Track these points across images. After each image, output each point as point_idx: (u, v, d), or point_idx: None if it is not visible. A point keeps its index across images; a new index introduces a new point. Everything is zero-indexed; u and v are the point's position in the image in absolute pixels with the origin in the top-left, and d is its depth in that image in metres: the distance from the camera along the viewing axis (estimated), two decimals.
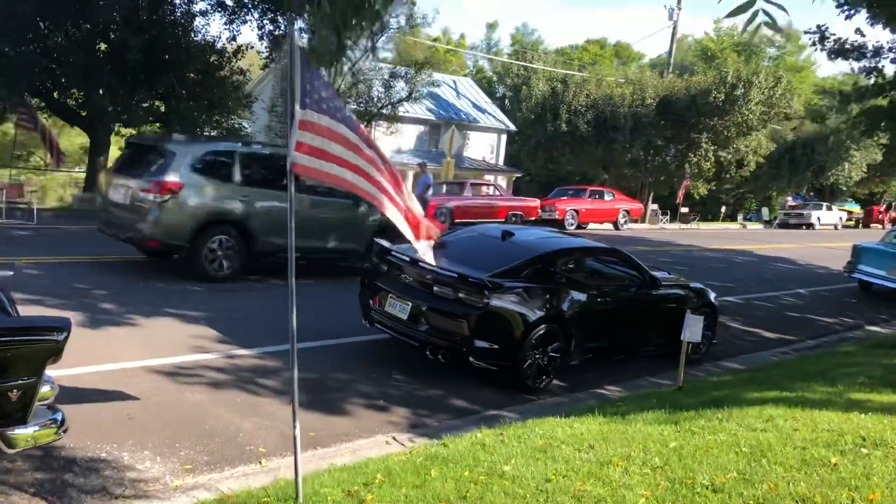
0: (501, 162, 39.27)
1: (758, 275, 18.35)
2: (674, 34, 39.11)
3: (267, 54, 21.69)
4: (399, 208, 4.66)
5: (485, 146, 38.56)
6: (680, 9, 38.60)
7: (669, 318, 8.48)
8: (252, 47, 22.32)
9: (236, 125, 23.00)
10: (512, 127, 38.77)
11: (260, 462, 5.26)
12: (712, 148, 34.26)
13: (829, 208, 41.46)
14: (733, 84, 32.19)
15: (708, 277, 15.86)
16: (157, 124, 21.94)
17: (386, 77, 24.74)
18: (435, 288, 7.24)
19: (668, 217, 37.01)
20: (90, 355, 6.88)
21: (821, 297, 15.53)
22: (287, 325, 4.37)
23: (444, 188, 24.28)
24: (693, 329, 7.34)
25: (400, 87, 24.78)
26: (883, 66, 18.63)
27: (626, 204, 30.22)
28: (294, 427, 4.25)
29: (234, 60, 21.84)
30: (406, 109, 27.98)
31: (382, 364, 7.72)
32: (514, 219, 24.21)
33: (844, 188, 47.44)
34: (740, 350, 10.23)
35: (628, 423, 5.91)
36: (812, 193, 48.35)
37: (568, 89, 34.38)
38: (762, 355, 10.03)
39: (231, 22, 21.10)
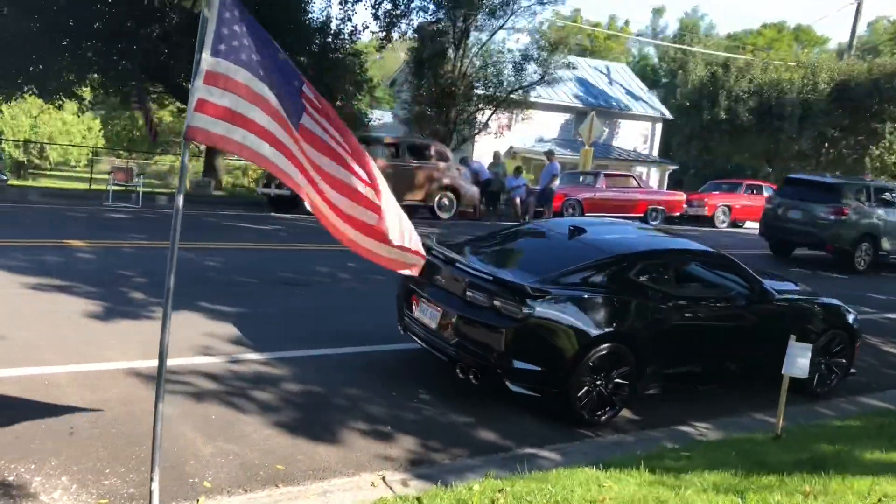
0: (656, 153, 36.71)
1: None
2: (858, 12, 34.80)
3: (383, 35, 20.82)
4: (330, 205, 3.60)
5: (637, 136, 36.17)
6: None
7: (783, 341, 6.70)
8: (367, 27, 21.60)
9: (357, 111, 22.18)
10: (668, 115, 36.10)
11: (197, 501, 4.28)
12: None
13: None
14: None
15: (868, 290, 13.47)
16: None
17: (517, 60, 23.25)
18: (468, 293, 5.98)
19: None
20: (77, 352, 6.21)
21: None
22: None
23: (581, 178, 22.79)
24: (798, 361, 5.63)
25: (532, 71, 23.27)
26: None
27: None
28: (151, 480, 3.20)
29: (350, 42, 21.03)
30: (538, 94, 26.35)
31: (411, 379, 6.53)
32: (654, 214, 22.32)
33: None
34: (891, 383, 8.19)
35: (678, 486, 4.40)
36: None
37: (729, 74, 31.47)
38: None
39: (345, 1, 20.26)
